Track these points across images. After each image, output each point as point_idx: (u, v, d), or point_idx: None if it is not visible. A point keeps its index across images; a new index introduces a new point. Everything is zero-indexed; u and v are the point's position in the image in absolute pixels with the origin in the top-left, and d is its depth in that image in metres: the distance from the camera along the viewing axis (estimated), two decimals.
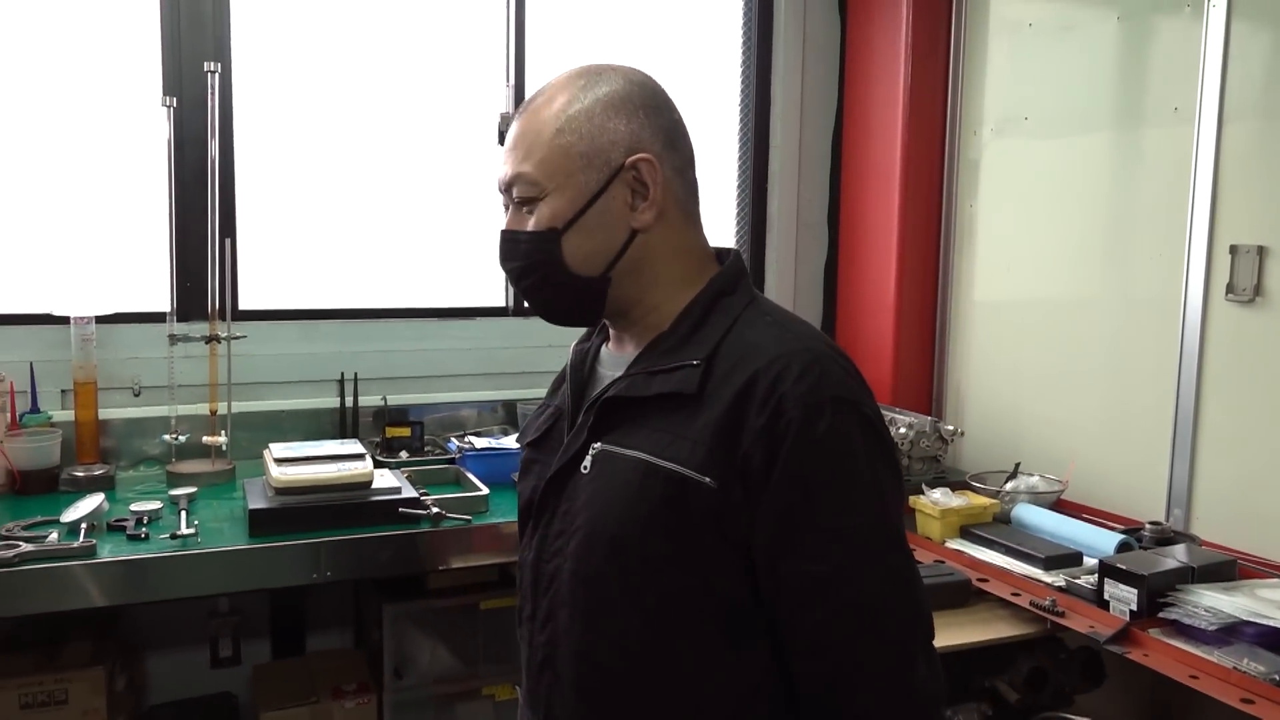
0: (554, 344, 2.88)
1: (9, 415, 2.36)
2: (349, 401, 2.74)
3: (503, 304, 3.03)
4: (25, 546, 1.89)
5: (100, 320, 2.47)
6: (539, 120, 1.15)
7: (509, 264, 1.19)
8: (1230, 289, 2.24)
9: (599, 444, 1.14)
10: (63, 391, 2.50)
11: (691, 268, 1.19)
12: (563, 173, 1.13)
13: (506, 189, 1.18)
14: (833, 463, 1.05)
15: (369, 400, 2.77)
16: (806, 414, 1.03)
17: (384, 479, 2.24)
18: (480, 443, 2.63)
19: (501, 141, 2.93)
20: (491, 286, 3.03)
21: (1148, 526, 2.21)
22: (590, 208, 1.13)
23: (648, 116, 1.15)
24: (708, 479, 1.05)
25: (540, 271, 1.16)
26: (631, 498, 1.09)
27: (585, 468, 1.14)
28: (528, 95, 3.02)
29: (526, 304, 1.25)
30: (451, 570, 2.27)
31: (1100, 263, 2.59)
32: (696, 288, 1.18)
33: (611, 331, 1.26)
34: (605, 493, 1.12)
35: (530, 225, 1.15)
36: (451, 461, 2.60)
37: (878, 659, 1.06)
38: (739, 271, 1.21)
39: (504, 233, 1.19)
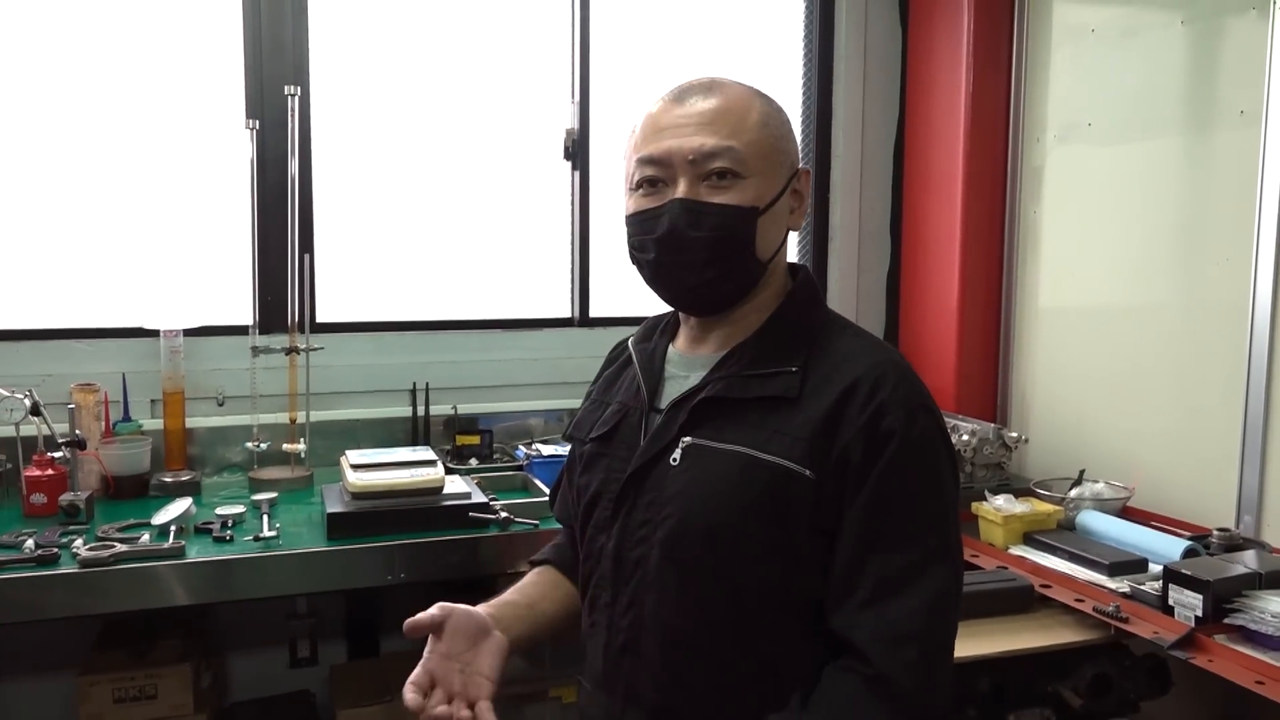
0: None
1: (103, 424, 2.49)
2: (420, 410, 2.82)
3: (568, 315, 3.10)
4: (119, 547, 2.00)
5: (188, 333, 2.60)
6: (739, 106, 1.20)
7: (694, 232, 1.18)
8: None
9: (689, 438, 1.21)
10: (152, 401, 2.62)
11: (782, 278, 1.29)
12: (770, 161, 1.21)
13: (700, 159, 1.17)
14: (926, 461, 1.15)
15: (440, 409, 2.85)
16: (907, 418, 1.13)
17: (455, 485, 2.31)
18: (546, 450, 2.70)
19: (567, 157, 3.02)
20: (557, 298, 3.10)
21: (1215, 533, 2.19)
22: (779, 199, 1.22)
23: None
24: (808, 471, 1.14)
25: (730, 245, 1.18)
26: (730, 488, 1.16)
27: (675, 460, 1.21)
28: (593, 111, 3.06)
29: (682, 276, 1.21)
30: (519, 573, 2.30)
31: (1166, 267, 2.57)
32: (779, 299, 1.27)
33: (689, 331, 1.31)
34: (700, 483, 1.18)
35: (726, 199, 1.18)
36: (519, 468, 2.68)
37: (933, 632, 1.12)
38: (814, 284, 1.31)
39: (687, 201, 1.18)
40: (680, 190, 1.19)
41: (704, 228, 1.18)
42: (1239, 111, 2.36)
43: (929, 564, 1.12)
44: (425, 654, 1.19)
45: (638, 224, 1.23)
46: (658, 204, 1.20)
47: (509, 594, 1.37)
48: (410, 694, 1.13)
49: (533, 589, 1.40)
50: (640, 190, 1.23)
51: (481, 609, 1.26)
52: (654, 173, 1.20)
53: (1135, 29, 2.66)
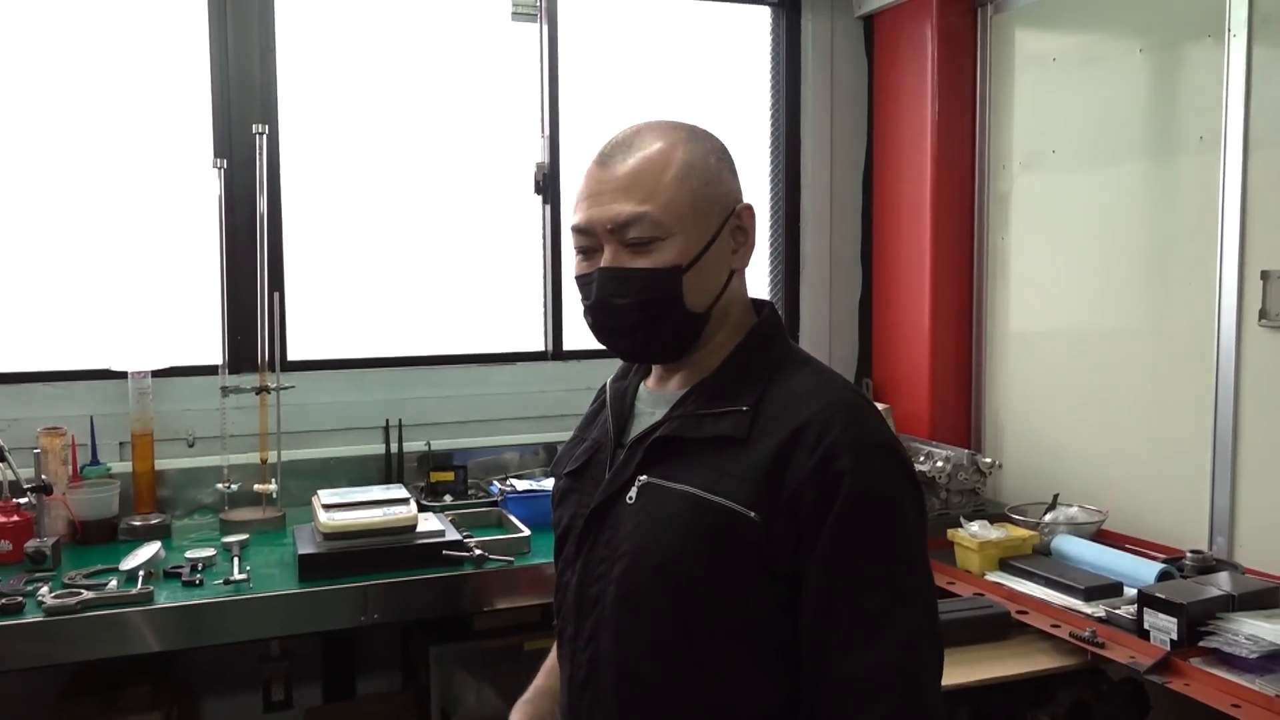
0: (591, 386, 2.90)
1: (70, 468, 2.46)
2: (394, 447, 2.81)
3: (541, 348, 3.09)
4: (86, 594, 1.97)
5: (156, 374, 2.57)
6: (655, 165, 1.20)
7: (619, 299, 1.21)
8: (1263, 314, 2.24)
9: (645, 477, 1.22)
10: (121, 444, 2.60)
11: (742, 315, 1.29)
12: (689, 216, 1.20)
13: (617, 228, 1.19)
14: (883, 507, 1.13)
15: (413, 446, 2.83)
16: (858, 461, 1.11)
17: (428, 522, 2.30)
18: (521, 485, 2.68)
19: (538, 191, 3.02)
20: (530, 332, 3.10)
21: (1189, 555, 2.20)
22: (709, 249, 1.22)
23: (735, 171, 1.28)
24: (753, 513, 1.13)
25: (658, 307, 1.20)
26: (679, 528, 1.16)
27: (631, 498, 1.22)
28: (563, 145, 3.07)
29: (618, 340, 1.25)
30: (495, 611, 2.31)
31: (1133, 292, 2.60)
32: (740, 335, 1.27)
33: (656, 370, 1.33)
34: (652, 522, 1.19)
35: (648, 263, 1.19)
36: (494, 504, 2.66)
37: (909, 677, 1.11)
38: (777, 322, 1.30)
39: (609, 269, 1.21)
40: (605, 258, 1.22)
41: (628, 294, 1.21)
42: (1198, 137, 2.40)
43: (895, 609, 1.11)
44: None
45: (579, 287, 1.27)
46: (589, 271, 1.24)
47: (543, 677, 1.46)
48: None
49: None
50: (579, 256, 1.27)
51: (523, 707, 1.42)
52: (583, 241, 1.24)
53: (1095, 57, 2.70)
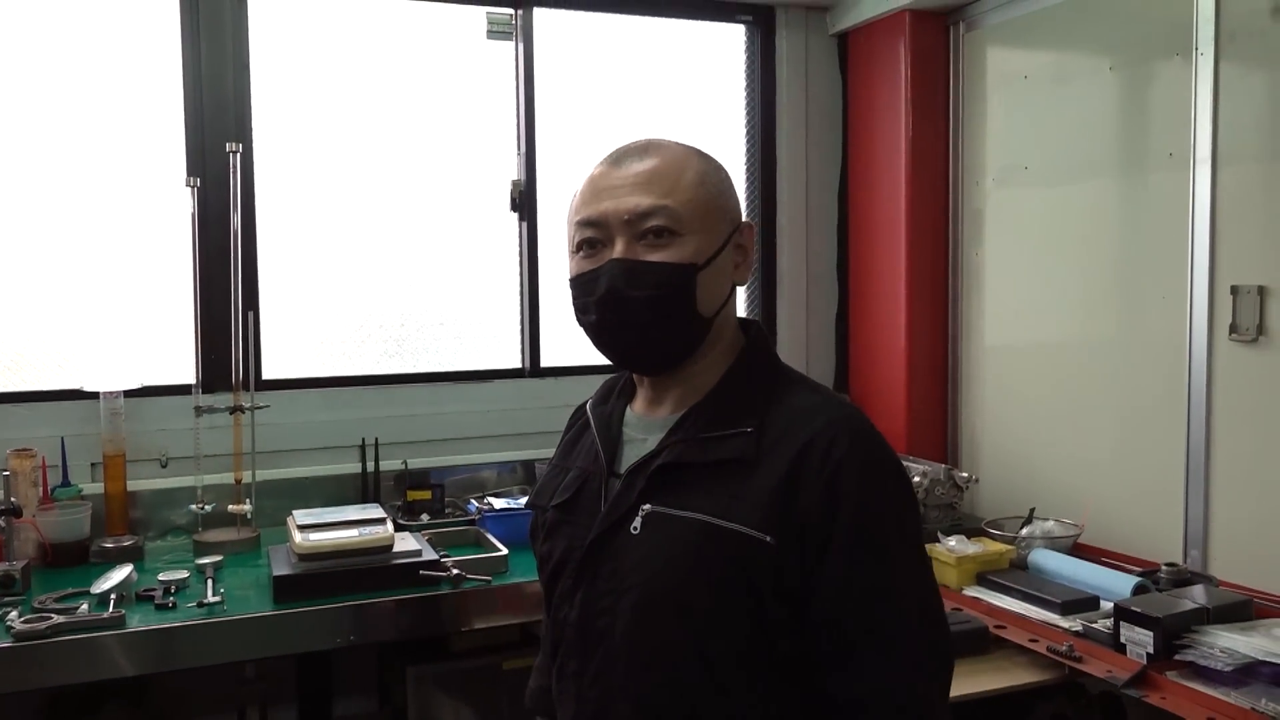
0: (570, 404, 2.90)
1: (41, 489, 2.43)
2: (370, 466, 2.79)
3: (518, 365, 3.09)
4: (57, 618, 1.94)
5: (128, 394, 2.55)
6: (676, 166, 1.21)
7: (632, 292, 1.18)
8: (1234, 329, 2.27)
9: (649, 505, 1.19)
10: (92, 465, 2.56)
11: (734, 334, 1.28)
12: (707, 218, 1.21)
13: (634, 219, 1.18)
14: (890, 527, 1.15)
15: (390, 464, 2.81)
16: (864, 480, 1.13)
17: (404, 542, 2.28)
18: (499, 503, 2.67)
19: (514, 208, 3.02)
20: (508, 349, 3.09)
21: (1164, 568, 2.21)
22: (719, 255, 1.22)
23: (736, 192, 1.29)
24: (769, 537, 1.12)
25: (671, 304, 1.19)
26: (692, 557, 1.15)
27: (635, 529, 1.19)
28: (539, 162, 3.06)
29: (624, 336, 1.22)
30: (473, 631, 2.29)
31: (1106, 306, 2.63)
32: (732, 354, 1.26)
33: (645, 392, 1.30)
34: (661, 552, 1.17)
35: (663, 257, 1.18)
36: (471, 523, 2.64)
37: (919, 697, 1.13)
38: (767, 340, 1.30)
39: (623, 261, 1.18)
40: (617, 250, 1.19)
41: (642, 286, 1.18)
42: (1168, 154, 2.43)
43: (904, 627, 1.12)
44: None
45: (579, 286, 1.23)
46: (596, 265, 1.21)
47: None
48: None
49: None
50: (580, 253, 1.23)
51: None
52: (592, 234, 1.21)
53: (1066, 75, 2.73)
